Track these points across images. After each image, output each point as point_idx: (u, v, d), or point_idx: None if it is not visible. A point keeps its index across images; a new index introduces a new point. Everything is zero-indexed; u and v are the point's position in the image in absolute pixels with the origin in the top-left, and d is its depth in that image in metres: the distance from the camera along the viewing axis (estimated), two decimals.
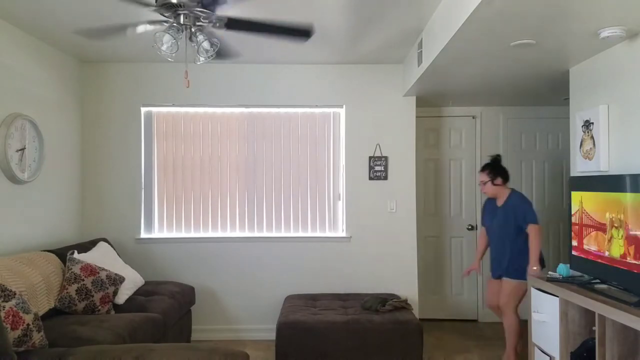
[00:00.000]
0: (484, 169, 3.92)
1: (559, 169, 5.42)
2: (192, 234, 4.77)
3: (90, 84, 4.71)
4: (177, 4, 2.64)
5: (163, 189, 4.78)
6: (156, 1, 2.67)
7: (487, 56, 3.32)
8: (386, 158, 4.75)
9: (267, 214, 4.80)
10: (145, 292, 4.01)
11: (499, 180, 3.85)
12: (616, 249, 2.73)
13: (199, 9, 2.66)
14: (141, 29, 2.92)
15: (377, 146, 4.76)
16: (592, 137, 3.32)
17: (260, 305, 4.71)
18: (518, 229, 3.74)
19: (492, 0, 2.32)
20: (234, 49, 3.59)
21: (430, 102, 5.11)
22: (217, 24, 2.81)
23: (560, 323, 3.01)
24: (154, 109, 4.78)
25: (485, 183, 3.89)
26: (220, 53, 3.31)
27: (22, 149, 3.72)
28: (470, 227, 5.37)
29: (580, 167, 3.49)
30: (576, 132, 3.54)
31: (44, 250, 3.70)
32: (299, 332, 3.65)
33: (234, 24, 2.84)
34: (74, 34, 3.80)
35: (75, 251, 3.77)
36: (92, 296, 3.52)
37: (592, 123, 3.30)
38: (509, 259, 3.77)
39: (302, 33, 2.96)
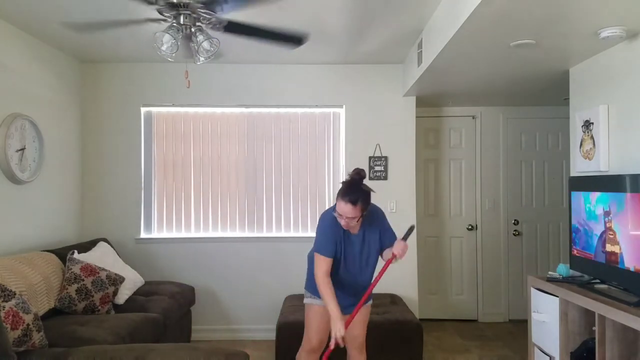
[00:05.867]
0: (355, 202, 2.58)
1: (559, 169, 5.42)
2: (192, 234, 4.77)
3: (90, 84, 4.71)
4: (179, 4, 2.64)
5: (163, 189, 4.78)
6: (157, 1, 2.67)
7: (487, 56, 3.32)
8: (386, 158, 4.75)
9: (267, 214, 4.80)
10: (145, 292, 4.01)
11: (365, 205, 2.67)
12: (616, 248, 2.73)
13: (202, 10, 2.66)
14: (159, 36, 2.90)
15: (377, 146, 4.76)
16: (592, 137, 3.31)
17: (260, 306, 4.71)
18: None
19: (492, 0, 2.32)
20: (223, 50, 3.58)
21: (430, 102, 5.11)
22: (217, 26, 2.81)
23: (560, 323, 3.00)
24: (153, 109, 4.78)
25: (357, 219, 2.66)
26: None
27: (22, 149, 3.72)
28: (470, 227, 5.37)
29: (580, 167, 3.49)
30: (576, 132, 3.54)
31: (44, 250, 3.71)
32: (299, 332, 3.64)
33: (233, 27, 2.84)
34: (74, 35, 3.81)
35: (75, 251, 3.77)
36: (92, 296, 3.52)
37: (592, 123, 3.30)
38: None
39: (295, 40, 2.97)
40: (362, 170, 2.69)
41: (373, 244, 2.81)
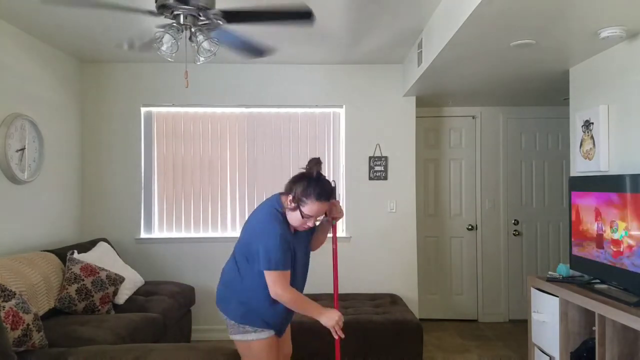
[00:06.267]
0: (331, 198, 2.31)
1: (559, 169, 5.42)
2: (192, 234, 4.77)
3: (90, 84, 4.71)
4: (172, 5, 2.63)
5: (163, 189, 4.78)
6: (156, 1, 2.66)
7: (487, 56, 3.32)
8: (386, 158, 4.75)
9: None
10: (145, 292, 4.01)
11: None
12: (616, 248, 2.73)
13: (186, 6, 2.64)
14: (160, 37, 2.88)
15: (377, 146, 4.76)
16: (592, 137, 3.31)
17: None
18: None
19: (492, 0, 2.32)
20: (267, 45, 3.47)
21: (430, 102, 5.11)
22: (215, 19, 2.80)
23: (560, 323, 3.01)
24: (154, 109, 4.77)
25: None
26: (254, 50, 3.30)
27: (22, 149, 3.72)
28: (470, 227, 5.37)
29: (580, 167, 3.49)
30: (576, 132, 3.54)
31: (44, 250, 3.71)
32: (299, 332, 3.64)
33: (232, 16, 2.82)
34: (74, 35, 3.81)
35: (75, 251, 3.77)
36: (92, 296, 3.52)
37: (592, 123, 3.30)
38: None
39: (303, 16, 2.89)
40: (319, 158, 2.31)
41: (307, 237, 2.46)
